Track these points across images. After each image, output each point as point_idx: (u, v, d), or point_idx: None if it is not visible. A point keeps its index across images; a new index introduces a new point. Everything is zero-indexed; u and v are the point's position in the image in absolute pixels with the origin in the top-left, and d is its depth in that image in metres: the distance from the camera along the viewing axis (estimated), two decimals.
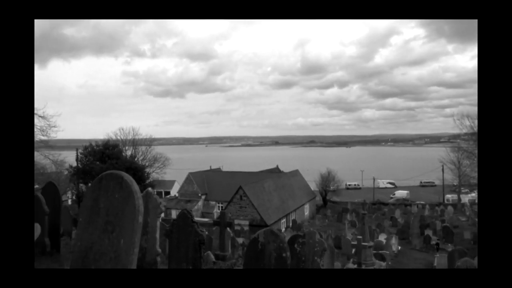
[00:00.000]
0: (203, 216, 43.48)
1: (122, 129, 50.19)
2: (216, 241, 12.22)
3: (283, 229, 35.72)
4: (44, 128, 27.37)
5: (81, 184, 38.25)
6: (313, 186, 55.19)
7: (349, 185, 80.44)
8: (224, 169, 66.22)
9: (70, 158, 38.33)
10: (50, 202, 7.37)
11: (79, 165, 38.03)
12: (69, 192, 41.46)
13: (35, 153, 28.35)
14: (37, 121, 27.16)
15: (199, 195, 48.67)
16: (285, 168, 64.13)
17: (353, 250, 16.97)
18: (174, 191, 57.82)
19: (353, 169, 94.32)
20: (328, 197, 56.70)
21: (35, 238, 2.45)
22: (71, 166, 38.67)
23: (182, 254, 6.17)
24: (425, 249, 24.47)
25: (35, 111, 27.67)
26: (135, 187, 2.71)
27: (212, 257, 9.37)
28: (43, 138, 27.85)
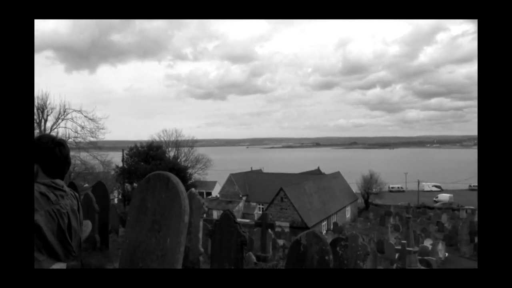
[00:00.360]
0: (243, 217, 43.79)
1: (166, 131, 51.52)
2: (258, 242, 12.27)
3: (324, 232, 35.35)
4: (93, 130, 28.65)
5: (127, 184, 39.56)
6: (355, 189, 54.27)
7: (392, 187, 78.35)
8: (265, 170, 66.37)
9: (116, 158, 39.77)
10: (99, 200, 7.69)
11: (125, 165, 39.35)
12: (115, 191, 42.98)
13: (85, 154, 29.68)
14: (87, 123, 28.44)
15: (240, 196, 49.06)
16: (326, 170, 63.43)
17: (397, 255, 16.52)
18: (215, 192, 58.62)
19: (396, 171, 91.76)
20: (370, 200, 55.55)
21: (87, 234, 2.54)
22: (117, 166, 40.11)
23: (225, 254, 6.25)
24: (475, 257, 23.43)
25: (85, 114, 28.98)
26: (181, 187, 2.78)
27: (254, 258, 9.42)
28: (92, 139, 29.15)
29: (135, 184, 38.03)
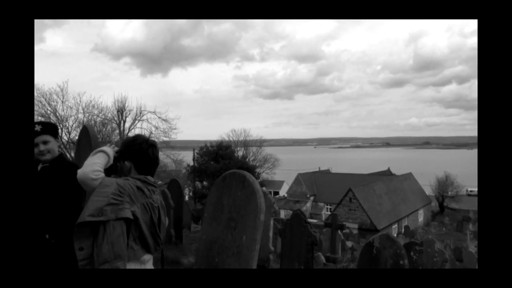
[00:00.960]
0: (311, 217, 43.42)
1: (234, 131, 52.61)
2: (326, 243, 12.12)
3: (394, 235, 34.03)
4: (166, 130, 30.07)
5: (197, 182, 40.89)
6: (428, 191, 51.55)
7: (471, 191, 73.18)
8: (333, 170, 65.35)
9: (187, 157, 41.28)
10: (174, 197, 8.06)
11: (196, 164, 40.69)
12: (186, 189, 44.67)
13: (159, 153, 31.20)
14: (160, 124, 29.91)
15: (308, 196, 48.74)
16: (397, 170, 60.97)
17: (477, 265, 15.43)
18: (283, 192, 58.76)
19: (476, 174, 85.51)
20: (446, 203, 52.45)
21: (165, 229, 2.68)
22: (188, 165, 41.61)
23: (295, 253, 6.25)
24: None
25: (158, 115, 30.47)
26: (257, 186, 2.83)
27: (323, 258, 9.33)
28: (165, 139, 30.61)
29: (205, 183, 39.20)
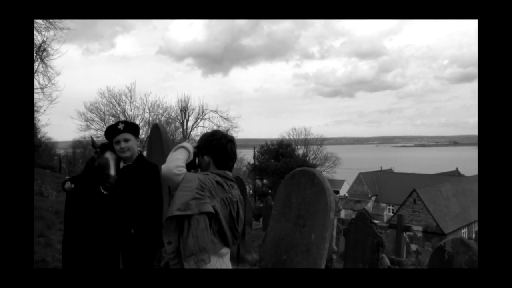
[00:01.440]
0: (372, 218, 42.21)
1: (295, 129, 52.46)
2: (390, 245, 11.72)
3: None
4: (228, 128, 30.71)
5: (258, 180, 41.26)
6: None
7: None
8: (396, 170, 63.06)
9: (248, 155, 41.74)
10: None
11: (256, 162, 41.08)
12: (247, 186, 45.27)
13: None
14: (222, 123, 30.62)
15: (369, 196, 47.49)
16: (466, 171, 57.50)
17: None
18: (343, 191, 57.71)
19: None
20: None
21: None
22: (249, 163, 42.12)
23: (359, 254, 6.11)
24: None
25: (220, 114, 31.19)
26: (327, 184, 2.79)
27: (388, 261, 9.03)
28: None
29: (265, 181, 39.44)
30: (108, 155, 2.98)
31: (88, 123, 33.17)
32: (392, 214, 39.95)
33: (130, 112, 33.87)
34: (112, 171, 2.91)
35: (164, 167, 2.25)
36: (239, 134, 32.10)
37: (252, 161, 41.37)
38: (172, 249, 2.20)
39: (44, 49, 19.82)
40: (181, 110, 35.15)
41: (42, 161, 21.98)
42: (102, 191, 2.92)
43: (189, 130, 34.70)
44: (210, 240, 2.20)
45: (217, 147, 2.43)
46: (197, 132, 33.47)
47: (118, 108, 33.43)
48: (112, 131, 3.02)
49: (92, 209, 3.00)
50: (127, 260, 2.96)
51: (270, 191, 35.99)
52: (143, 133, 34.70)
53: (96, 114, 33.05)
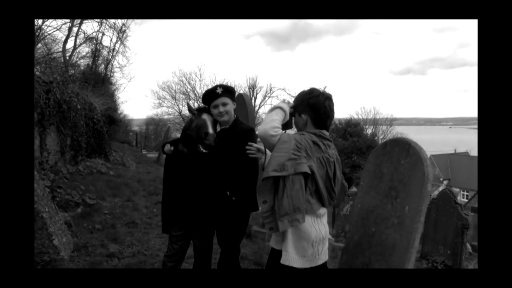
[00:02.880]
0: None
1: (363, 108, 50.99)
2: (470, 231, 11.09)
3: None
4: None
5: None
6: None
7: None
8: (472, 153, 59.29)
9: None
10: None
11: None
12: None
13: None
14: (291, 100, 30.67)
15: (441, 179, 45.26)
16: None
17: None
18: None
19: None
20: None
21: None
22: None
23: (440, 236, 5.83)
24: None
25: (288, 92, 31.04)
26: (424, 153, 2.64)
27: (469, 247, 8.54)
28: None
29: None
30: (205, 116, 3.01)
31: (160, 101, 34.67)
32: (466, 200, 37.78)
33: (200, 90, 34.86)
34: (211, 130, 2.94)
35: (260, 129, 2.25)
36: None
37: None
38: (267, 208, 2.22)
39: (124, 31, 20.79)
40: (249, 88, 35.49)
41: (120, 136, 23.33)
42: (202, 150, 2.95)
43: (257, 107, 34.99)
44: (305, 200, 2.18)
45: (315, 105, 2.36)
46: (264, 110, 33.74)
47: (188, 86, 34.51)
48: (210, 96, 3.01)
49: (192, 169, 3.06)
50: (222, 222, 3.03)
51: None
52: None
53: (168, 92, 34.41)
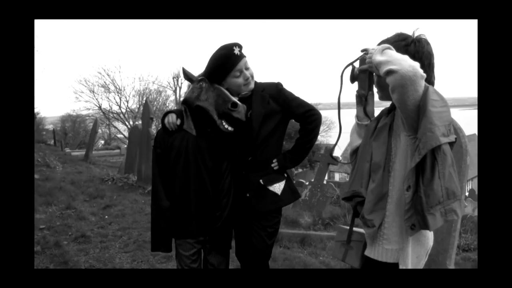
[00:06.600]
0: None
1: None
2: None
3: None
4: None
5: None
6: None
7: None
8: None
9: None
10: None
11: None
12: None
13: None
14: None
15: None
16: None
17: None
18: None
19: None
20: None
21: None
22: None
23: None
24: None
25: None
26: (458, 125, 2.37)
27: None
28: None
29: None
30: (217, 85, 2.21)
31: (77, 95, 32.18)
32: None
33: (120, 83, 32.98)
34: (235, 99, 2.18)
35: (406, 66, 1.44)
36: None
37: None
38: (410, 197, 1.52)
39: None
40: (173, 78, 34.33)
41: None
42: (226, 127, 2.19)
43: (181, 98, 33.96)
44: (457, 181, 1.55)
45: (417, 54, 1.66)
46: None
47: (108, 78, 32.54)
48: (231, 60, 2.16)
49: (211, 155, 2.28)
50: (246, 225, 2.38)
51: None
52: (133, 104, 33.91)
53: (85, 85, 32.05)
